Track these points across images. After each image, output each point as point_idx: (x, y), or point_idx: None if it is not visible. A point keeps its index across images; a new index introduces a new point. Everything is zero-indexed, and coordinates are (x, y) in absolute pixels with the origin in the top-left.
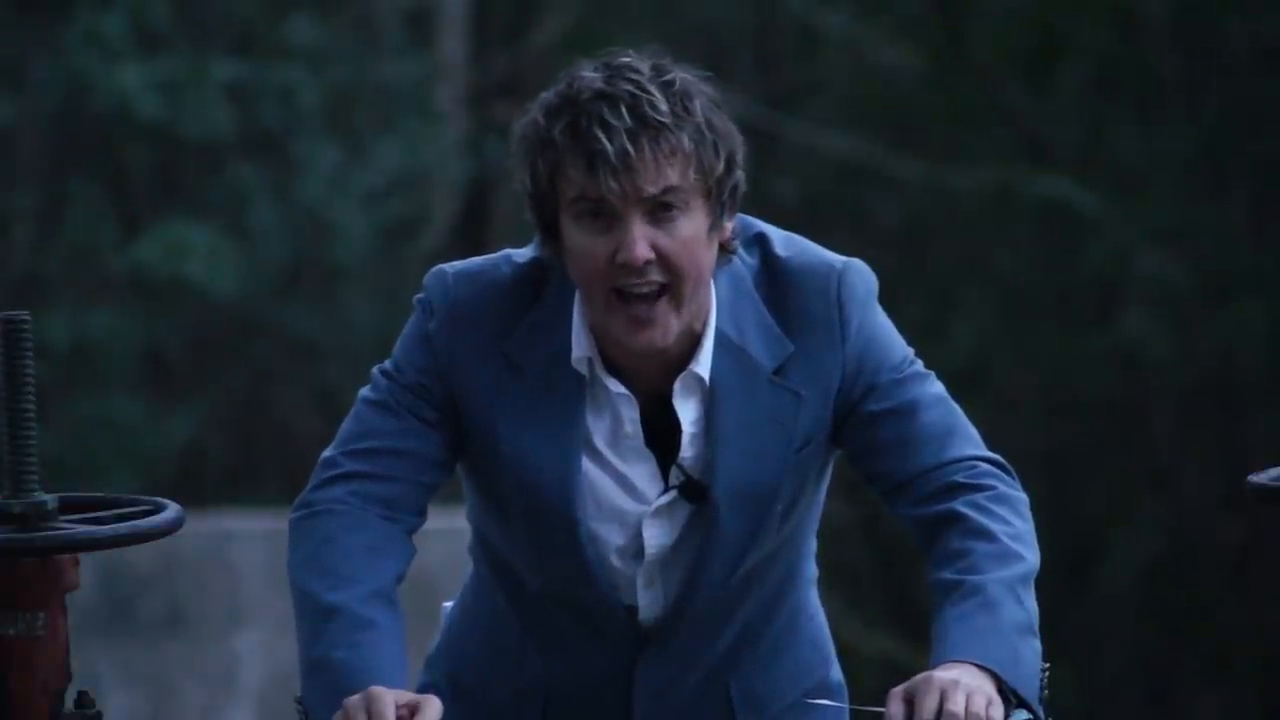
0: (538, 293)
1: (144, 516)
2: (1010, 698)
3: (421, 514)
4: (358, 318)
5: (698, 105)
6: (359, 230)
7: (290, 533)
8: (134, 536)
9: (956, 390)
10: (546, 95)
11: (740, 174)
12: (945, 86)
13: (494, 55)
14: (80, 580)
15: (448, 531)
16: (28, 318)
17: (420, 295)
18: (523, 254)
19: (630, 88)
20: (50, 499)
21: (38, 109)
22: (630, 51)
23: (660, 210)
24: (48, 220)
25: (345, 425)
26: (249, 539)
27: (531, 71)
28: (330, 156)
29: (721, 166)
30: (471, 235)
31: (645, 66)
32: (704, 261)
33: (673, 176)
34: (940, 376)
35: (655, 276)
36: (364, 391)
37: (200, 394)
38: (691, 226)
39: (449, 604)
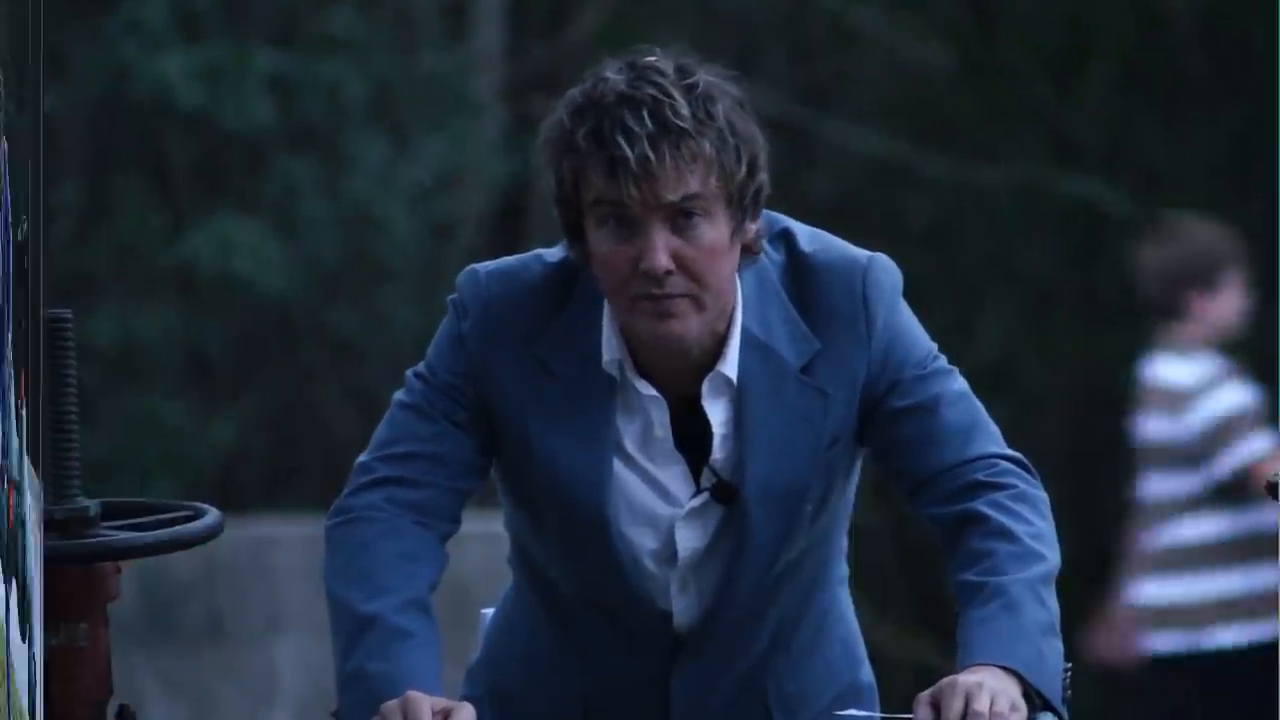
0: (568, 294)
1: (185, 522)
2: (1035, 699)
3: (455, 520)
4: (399, 318)
5: (720, 109)
6: (404, 228)
7: (326, 540)
8: (176, 543)
9: (982, 389)
10: (573, 93)
11: (763, 177)
12: (974, 84)
13: (531, 47)
14: (120, 589)
15: (485, 536)
16: (70, 316)
17: (453, 295)
18: (554, 254)
19: (653, 91)
20: (93, 505)
21: (80, 98)
22: (656, 50)
23: (681, 217)
24: (91, 214)
25: (380, 430)
26: (289, 544)
27: (569, 64)
28: (377, 152)
29: (743, 171)
30: (508, 232)
31: (670, 68)
32: (726, 267)
33: (694, 184)
34: (966, 375)
35: (678, 286)
36: (398, 395)
37: (243, 396)
38: (713, 233)
39: (487, 611)
